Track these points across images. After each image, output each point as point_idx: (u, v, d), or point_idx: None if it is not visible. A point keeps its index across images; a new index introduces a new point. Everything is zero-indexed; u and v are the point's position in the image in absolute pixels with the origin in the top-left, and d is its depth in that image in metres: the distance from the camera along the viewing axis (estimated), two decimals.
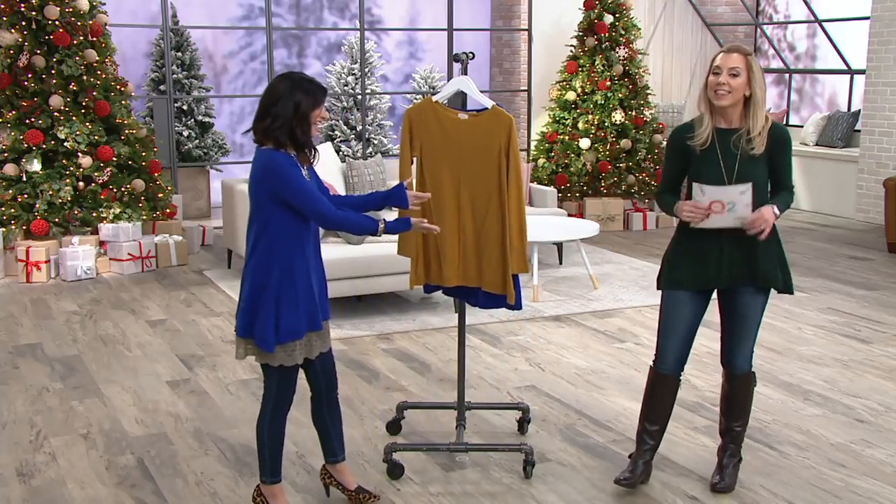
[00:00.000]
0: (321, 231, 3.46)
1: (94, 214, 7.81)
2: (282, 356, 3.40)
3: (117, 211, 7.85)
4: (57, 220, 7.72)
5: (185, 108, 10.63)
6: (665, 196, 3.84)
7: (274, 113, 3.29)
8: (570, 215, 8.68)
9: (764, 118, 3.67)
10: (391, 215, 5.32)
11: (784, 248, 3.82)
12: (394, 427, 4.48)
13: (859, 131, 10.53)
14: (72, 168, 7.76)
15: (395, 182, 3.94)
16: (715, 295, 3.86)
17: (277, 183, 3.29)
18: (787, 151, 3.72)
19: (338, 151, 11.00)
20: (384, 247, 6.38)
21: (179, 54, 10.56)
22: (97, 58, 7.95)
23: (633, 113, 10.15)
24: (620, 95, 10.08)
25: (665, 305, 3.86)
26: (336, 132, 11.45)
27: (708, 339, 6.01)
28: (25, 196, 7.66)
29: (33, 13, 7.71)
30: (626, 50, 10.16)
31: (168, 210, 8.34)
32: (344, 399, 4.68)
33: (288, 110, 3.28)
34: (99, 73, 7.99)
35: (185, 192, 10.05)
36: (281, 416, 3.54)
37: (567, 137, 10.12)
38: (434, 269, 3.98)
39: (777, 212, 3.65)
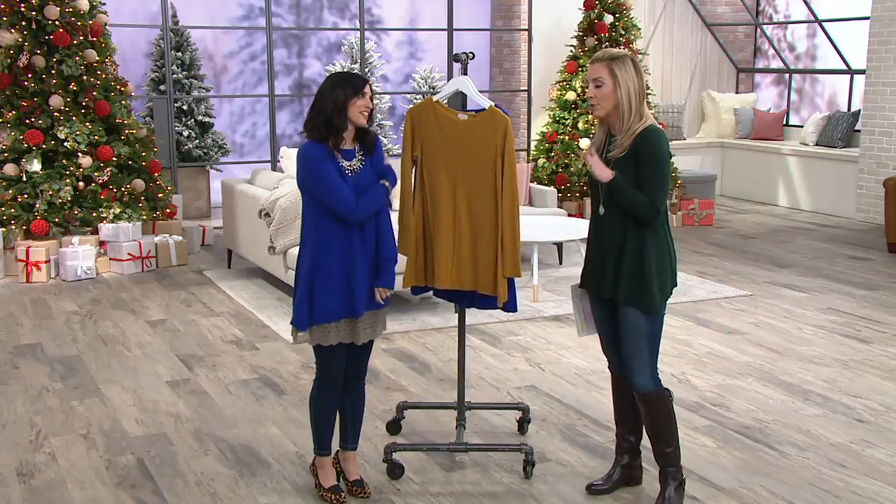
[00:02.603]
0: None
1: (94, 214, 7.81)
2: (317, 336, 3.62)
3: (117, 211, 7.85)
4: (57, 220, 7.72)
5: (185, 108, 10.63)
6: None
7: (318, 109, 3.54)
8: (570, 215, 8.68)
9: (639, 122, 3.52)
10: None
11: (650, 266, 3.54)
12: (394, 427, 4.48)
13: (859, 131, 10.52)
14: (72, 168, 7.76)
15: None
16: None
17: (305, 172, 3.55)
18: (647, 161, 3.50)
19: None
20: None
21: (179, 54, 10.55)
22: (97, 58, 7.95)
23: None
24: None
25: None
26: None
27: (708, 339, 6.01)
28: (25, 196, 7.66)
29: (33, 13, 7.70)
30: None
31: (168, 210, 8.34)
32: None
33: (329, 105, 3.52)
34: (99, 73, 7.99)
35: (185, 192, 10.05)
36: (325, 395, 3.74)
37: (567, 137, 10.12)
38: (430, 269, 3.98)
39: (610, 175, 3.50)
